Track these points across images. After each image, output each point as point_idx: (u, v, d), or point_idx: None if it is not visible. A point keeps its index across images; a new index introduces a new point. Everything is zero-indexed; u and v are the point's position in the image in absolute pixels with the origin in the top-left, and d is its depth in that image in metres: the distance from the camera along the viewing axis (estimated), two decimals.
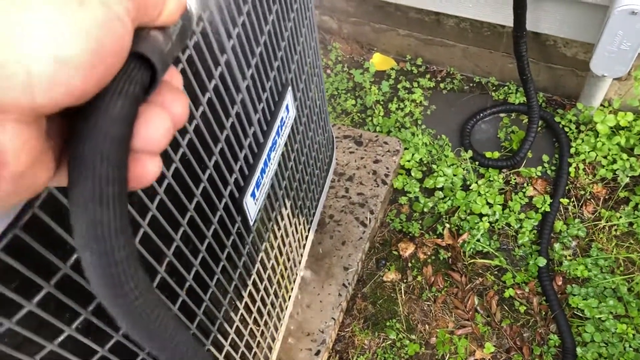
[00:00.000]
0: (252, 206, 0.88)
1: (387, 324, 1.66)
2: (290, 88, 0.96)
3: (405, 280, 1.73)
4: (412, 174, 1.86)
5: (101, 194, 0.26)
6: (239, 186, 0.83)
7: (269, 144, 0.90)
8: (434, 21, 1.91)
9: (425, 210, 1.81)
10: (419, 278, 1.72)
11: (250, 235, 0.93)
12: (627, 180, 1.76)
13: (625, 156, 1.77)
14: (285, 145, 1.03)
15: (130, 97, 0.27)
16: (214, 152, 0.74)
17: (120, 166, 0.26)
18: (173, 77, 0.31)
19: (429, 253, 1.76)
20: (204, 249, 0.76)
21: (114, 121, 0.26)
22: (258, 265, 1.00)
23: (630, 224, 1.70)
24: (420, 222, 1.80)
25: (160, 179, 0.64)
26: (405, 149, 1.89)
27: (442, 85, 2.05)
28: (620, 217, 1.72)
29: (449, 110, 1.99)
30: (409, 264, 1.75)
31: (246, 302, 0.98)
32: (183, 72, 0.64)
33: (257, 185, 0.88)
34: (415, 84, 2.04)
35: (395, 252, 1.77)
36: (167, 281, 0.69)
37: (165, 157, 0.64)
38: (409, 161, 1.87)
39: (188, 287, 0.75)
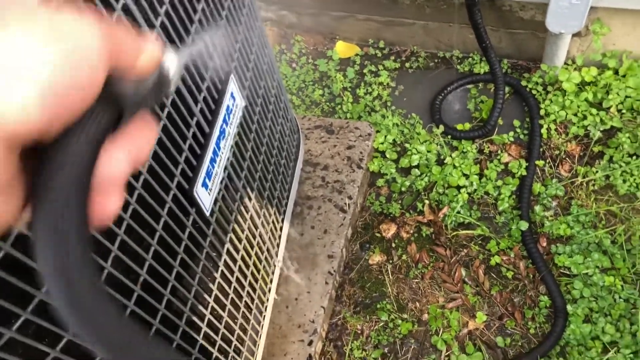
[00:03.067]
0: (205, 197, 0.87)
1: (378, 306, 1.66)
2: (233, 76, 0.96)
3: (391, 261, 1.72)
4: (387, 155, 1.86)
5: (61, 229, 0.27)
6: (187, 177, 0.83)
7: (216, 132, 0.90)
8: (390, 1, 1.91)
9: (404, 189, 1.81)
10: (404, 257, 1.72)
11: (210, 227, 0.93)
12: (599, 134, 1.77)
13: (594, 111, 1.78)
14: (239, 134, 1.03)
15: (93, 137, 0.28)
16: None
17: (80, 203, 0.28)
18: (144, 121, 0.32)
19: (411, 231, 1.76)
20: (155, 242, 0.76)
21: (75, 160, 0.27)
22: (225, 257, 1.00)
23: (607, 177, 1.71)
24: (399, 202, 1.80)
25: None
26: (377, 131, 1.89)
27: (407, 64, 2.05)
28: (597, 171, 1.72)
29: (416, 89, 1.99)
30: (393, 244, 1.75)
31: (216, 295, 0.98)
32: None
33: (209, 175, 0.88)
34: (380, 67, 2.05)
35: (378, 235, 1.77)
36: (119, 279, 0.69)
37: None
38: (382, 143, 1.87)
39: (144, 282, 0.74)
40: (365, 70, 2.05)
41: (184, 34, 0.81)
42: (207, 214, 0.89)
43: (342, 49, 2.11)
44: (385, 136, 1.88)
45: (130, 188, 0.70)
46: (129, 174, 0.31)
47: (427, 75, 2.01)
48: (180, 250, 0.83)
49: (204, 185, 0.87)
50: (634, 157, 1.69)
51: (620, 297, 1.55)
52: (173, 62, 0.32)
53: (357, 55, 2.10)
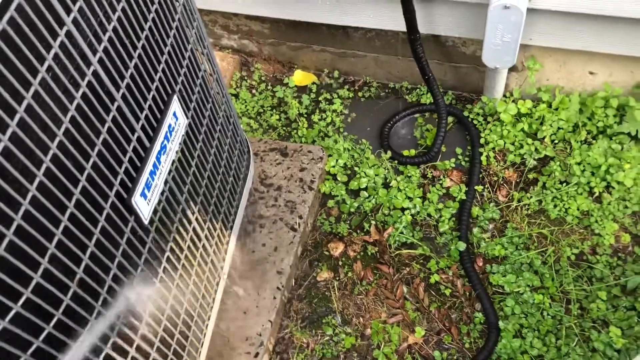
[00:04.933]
0: (144, 206, 0.96)
1: (324, 320, 1.74)
2: (176, 97, 1.05)
3: (337, 278, 1.81)
4: (338, 178, 1.96)
5: None
6: (127, 187, 0.92)
7: (157, 147, 0.99)
8: (343, 34, 2.04)
9: (352, 210, 1.91)
10: (350, 274, 1.81)
11: (150, 235, 1.01)
12: (534, 162, 1.89)
13: (530, 141, 1.91)
14: (183, 150, 1.12)
15: None
16: (90, 154, 0.82)
17: None
18: None
19: (358, 250, 1.85)
20: (92, 244, 0.84)
21: None
22: (165, 264, 1.08)
23: (540, 202, 1.83)
24: (348, 222, 1.90)
25: (31, 179, 0.72)
26: (329, 155, 1.99)
27: (360, 94, 2.17)
28: (531, 197, 1.84)
29: (367, 117, 2.10)
30: (340, 262, 1.83)
31: (151, 311, 1.05)
32: (50, 69, 0.72)
33: (148, 186, 0.96)
34: (335, 95, 2.16)
35: (327, 253, 1.86)
36: (54, 275, 0.77)
37: (33, 158, 0.72)
38: (333, 166, 1.97)
39: (79, 280, 0.82)
40: (320, 98, 2.16)
41: (127, 62, 0.90)
42: (146, 222, 0.97)
43: (299, 77, 2.23)
44: (337, 160, 1.98)
45: (68, 194, 0.78)
46: None
47: (378, 104, 2.13)
48: (118, 254, 0.91)
49: (143, 195, 0.95)
50: (564, 184, 1.82)
51: (548, 314, 1.65)
52: None
53: (313, 83, 2.21)
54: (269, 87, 2.24)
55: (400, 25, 1.85)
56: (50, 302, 0.77)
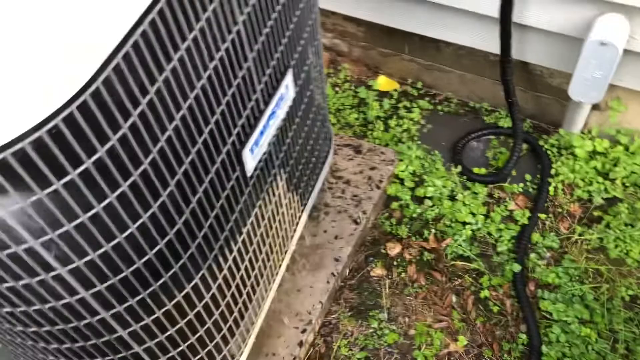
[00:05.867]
0: (249, 160, 1.06)
1: (370, 313, 1.81)
2: (291, 71, 1.16)
3: (390, 277, 1.88)
4: (405, 183, 2.03)
5: None
6: (240, 140, 1.02)
7: (269, 111, 1.09)
8: (435, 48, 2.12)
9: (414, 215, 1.98)
10: (403, 275, 1.87)
11: (247, 189, 1.11)
12: (601, 201, 1.92)
13: (600, 179, 1.93)
14: (284, 120, 1.22)
15: None
16: (221, 102, 0.93)
17: None
18: None
19: (414, 254, 1.91)
20: (207, 181, 0.94)
21: None
22: (253, 219, 1.18)
23: (601, 239, 1.85)
24: (408, 226, 1.96)
25: (170, 118, 0.82)
26: (400, 160, 2.07)
27: (439, 107, 2.24)
28: (593, 233, 1.87)
29: (443, 130, 2.17)
30: (395, 262, 1.90)
31: (235, 257, 1.15)
32: (202, 30, 0.83)
33: (256, 143, 1.07)
34: (414, 105, 2.24)
35: (383, 251, 1.93)
36: (167, 207, 0.87)
37: (175, 103, 0.82)
38: (402, 171, 2.05)
39: (192, 209, 0.92)
40: (400, 105, 2.25)
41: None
42: (249, 174, 1.07)
43: (383, 82, 2.31)
44: (407, 165, 2.05)
45: (199, 132, 0.89)
46: None
47: (455, 120, 2.20)
48: (222, 196, 1.01)
49: (251, 150, 1.05)
50: (629, 227, 1.84)
51: (593, 349, 1.67)
52: None
53: (395, 90, 2.30)
54: (352, 87, 2.34)
55: (493, 47, 1.92)
56: (169, 220, 0.88)
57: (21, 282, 0.78)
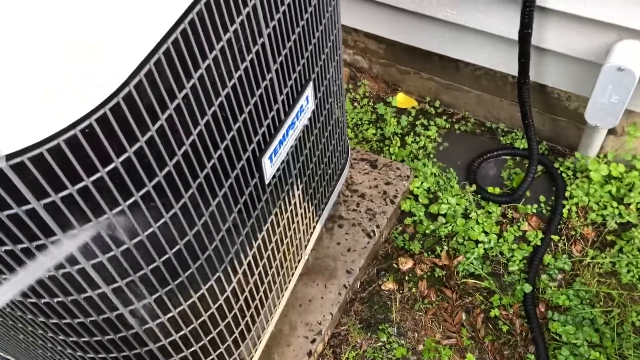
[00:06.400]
0: (268, 168, 1.09)
1: (380, 327, 1.82)
2: (312, 84, 1.19)
3: (401, 291, 1.89)
4: (420, 199, 2.05)
5: None
6: (260, 147, 1.06)
7: (289, 122, 1.13)
8: (454, 67, 2.15)
9: (427, 232, 1.99)
10: (414, 290, 1.89)
11: (264, 196, 1.14)
12: (614, 225, 1.92)
13: (615, 204, 1.94)
14: (303, 132, 1.25)
15: None
16: (244, 110, 0.97)
17: None
18: None
19: (425, 270, 1.93)
20: (221, 195, 0.98)
21: None
22: (268, 226, 1.21)
23: (614, 264, 1.85)
24: (421, 242, 1.98)
25: (195, 123, 0.86)
26: (415, 176, 2.09)
27: (456, 126, 2.27)
28: (605, 257, 1.87)
29: (459, 149, 2.19)
30: (406, 277, 1.92)
31: (250, 261, 1.18)
32: (229, 41, 0.87)
33: (275, 152, 1.10)
34: (432, 123, 2.27)
35: (395, 265, 1.94)
36: (188, 208, 0.91)
37: (200, 109, 0.86)
38: (417, 188, 2.07)
39: (203, 223, 0.96)
40: (417, 122, 2.27)
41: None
42: (267, 181, 1.11)
43: (401, 100, 2.35)
44: (422, 182, 2.08)
45: (221, 137, 0.93)
46: None
47: (472, 139, 2.22)
48: (240, 201, 1.04)
49: (270, 158, 1.09)
50: None
51: None
52: None
53: (413, 108, 2.33)
54: (370, 104, 2.37)
55: (511, 69, 1.95)
56: (190, 221, 0.92)
57: (48, 274, 0.82)
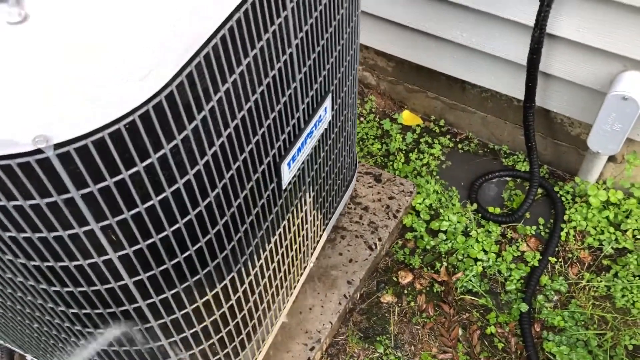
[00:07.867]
0: (286, 173, 1.13)
1: (378, 338, 1.85)
2: (330, 95, 1.24)
3: (399, 304, 1.92)
4: (421, 215, 2.09)
5: None
6: (280, 153, 1.09)
7: (308, 130, 1.16)
8: (460, 88, 2.20)
9: (428, 247, 2.03)
10: (412, 304, 1.92)
11: (280, 200, 1.18)
12: (611, 251, 1.97)
13: (612, 229, 1.98)
14: (318, 141, 1.29)
15: None
16: (269, 116, 1.00)
17: None
18: None
19: (424, 284, 1.96)
20: (242, 196, 1.01)
21: None
22: (281, 230, 1.24)
23: (609, 288, 1.89)
24: (421, 257, 2.02)
25: (225, 125, 0.90)
26: (418, 193, 2.13)
27: (459, 145, 2.31)
28: (601, 281, 1.91)
29: (462, 168, 2.24)
30: (405, 291, 1.95)
31: (262, 264, 1.21)
32: (262, 49, 0.91)
33: (293, 158, 1.14)
34: (436, 141, 2.31)
35: (395, 279, 1.98)
36: (212, 211, 0.94)
37: (223, 117, 0.90)
38: (420, 204, 2.11)
39: (224, 223, 0.99)
40: (421, 140, 2.32)
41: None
42: (284, 187, 1.14)
43: (407, 117, 2.40)
44: (424, 198, 2.12)
45: (247, 142, 0.96)
46: None
47: (474, 159, 2.27)
48: (259, 203, 1.08)
49: (288, 164, 1.12)
50: (637, 278, 1.88)
51: None
52: None
53: (418, 125, 2.37)
54: (377, 119, 2.42)
55: (517, 92, 2.00)
56: (212, 220, 0.95)
57: (74, 263, 0.85)
